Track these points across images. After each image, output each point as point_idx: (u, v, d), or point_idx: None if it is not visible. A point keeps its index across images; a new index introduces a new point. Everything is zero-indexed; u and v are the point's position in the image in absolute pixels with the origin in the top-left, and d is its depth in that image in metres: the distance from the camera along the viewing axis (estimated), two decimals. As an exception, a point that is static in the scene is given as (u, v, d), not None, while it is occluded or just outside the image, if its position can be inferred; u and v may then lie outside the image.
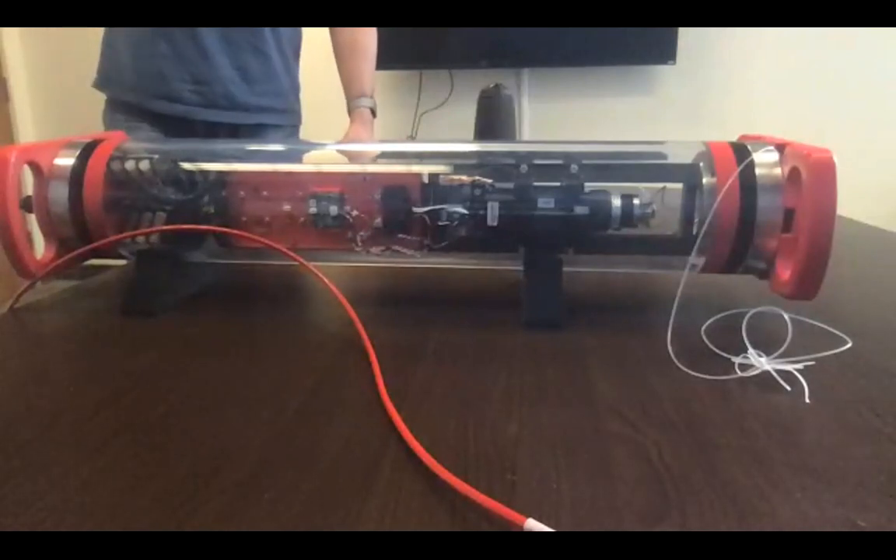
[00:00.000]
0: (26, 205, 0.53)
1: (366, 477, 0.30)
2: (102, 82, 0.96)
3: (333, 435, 0.34)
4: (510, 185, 0.50)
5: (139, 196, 0.53)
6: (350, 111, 1.09)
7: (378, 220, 0.51)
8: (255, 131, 1.01)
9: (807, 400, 0.36)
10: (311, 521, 0.27)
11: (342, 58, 1.08)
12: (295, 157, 0.66)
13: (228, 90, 0.96)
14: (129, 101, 0.94)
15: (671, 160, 0.54)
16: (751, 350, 0.40)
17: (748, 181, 0.46)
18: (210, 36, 0.93)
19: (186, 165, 0.54)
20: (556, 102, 1.97)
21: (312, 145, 0.66)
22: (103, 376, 0.42)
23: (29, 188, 0.54)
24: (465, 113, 1.78)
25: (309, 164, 0.54)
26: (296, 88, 1.09)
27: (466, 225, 0.50)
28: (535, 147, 0.57)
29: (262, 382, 0.40)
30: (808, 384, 0.37)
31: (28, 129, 2.47)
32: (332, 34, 1.08)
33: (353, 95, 1.08)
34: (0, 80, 2.39)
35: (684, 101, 1.93)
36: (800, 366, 0.38)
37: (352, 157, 0.63)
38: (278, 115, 1.04)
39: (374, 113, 1.10)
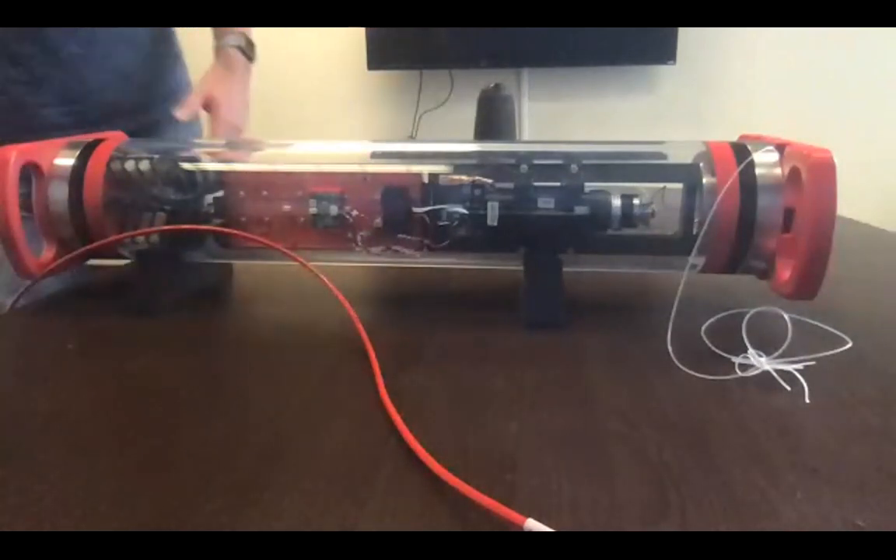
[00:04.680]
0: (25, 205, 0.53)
1: (366, 477, 0.30)
2: None
3: (333, 435, 0.34)
4: (510, 185, 0.50)
5: (139, 196, 0.53)
6: (215, 54, 0.83)
7: (378, 220, 0.51)
8: (152, 130, 0.85)
9: (807, 400, 0.36)
10: (311, 521, 0.27)
11: None
12: (295, 157, 0.66)
13: (104, 99, 0.79)
14: None
15: (671, 160, 0.54)
16: (751, 350, 0.40)
17: (748, 181, 0.46)
18: (67, 40, 0.76)
19: (186, 165, 0.54)
20: (556, 102, 1.97)
21: (312, 146, 0.66)
22: (103, 376, 0.42)
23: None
24: (465, 113, 1.78)
25: (309, 164, 0.54)
26: (173, 68, 0.89)
27: (466, 225, 0.50)
28: (535, 147, 0.57)
29: (262, 382, 0.40)
30: (808, 384, 0.37)
31: (28, 129, 2.46)
32: None
33: (218, 34, 0.83)
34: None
35: (684, 101, 1.92)
36: (800, 366, 0.38)
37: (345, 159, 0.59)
38: (172, 101, 0.82)
39: (247, 54, 0.83)
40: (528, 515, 0.25)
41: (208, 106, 0.78)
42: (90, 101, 0.79)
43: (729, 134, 0.54)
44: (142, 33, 0.82)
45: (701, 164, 0.49)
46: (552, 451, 0.32)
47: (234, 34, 0.82)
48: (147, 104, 0.84)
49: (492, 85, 1.70)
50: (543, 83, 1.95)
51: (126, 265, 0.59)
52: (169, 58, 0.88)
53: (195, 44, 0.90)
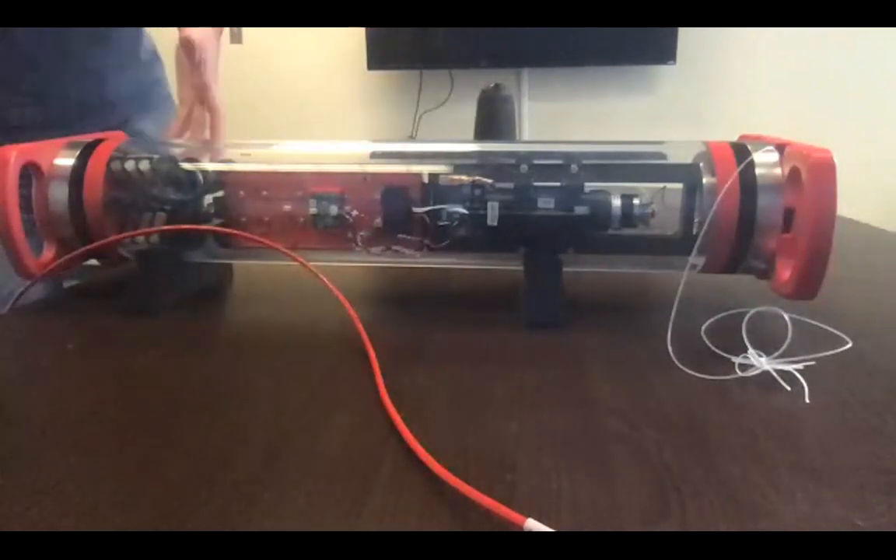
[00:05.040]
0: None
1: (366, 477, 0.30)
2: None
3: (333, 435, 0.34)
4: (510, 185, 0.50)
5: (139, 196, 0.53)
6: None
7: (378, 220, 0.51)
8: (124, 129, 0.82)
9: (807, 400, 0.36)
10: (311, 521, 0.27)
11: None
12: (295, 157, 0.66)
13: (76, 98, 0.79)
14: None
15: (671, 160, 0.54)
16: (751, 350, 0.40)
17: (748, 181, 0.46)
18: (36, 40, 0.75)
19: (186, 165, 0.54)
20: (556, 102, 1.97)
21: (312, 146, 0.66)
22: (103, 376, 0.42)
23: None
24: (465, 113, 1.78)
25: (309, 164, 0.54)
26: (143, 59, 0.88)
27: (466, 225, 0.50)
28: (535, 147, 0.57)
29: (262, 382, 0.40)
30: (808, 384, 0.37)
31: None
32: None
33: None
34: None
35: (684, 101, 1.92)
36: (800, 366, 0.38)
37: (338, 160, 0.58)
38: (141, 98, 0.86)
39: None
40: (528, 515, 0.25)
41: (192, 51, 0.75)
42: (61, 100, 0.78)
43: (729, 134, 0.54)
44: (112, 32, 0.81)
45: (701, 164, 0.49)
46: (552, 451, 0.32)
47: None
48: (119, 102, 0.84)
49: (492, 85, 1.70)
50: (543, 83, 1.96)
51: (126, 265, 0.59)
52: (142, 56, 0.87)
53: (170, 41, 0.89)
